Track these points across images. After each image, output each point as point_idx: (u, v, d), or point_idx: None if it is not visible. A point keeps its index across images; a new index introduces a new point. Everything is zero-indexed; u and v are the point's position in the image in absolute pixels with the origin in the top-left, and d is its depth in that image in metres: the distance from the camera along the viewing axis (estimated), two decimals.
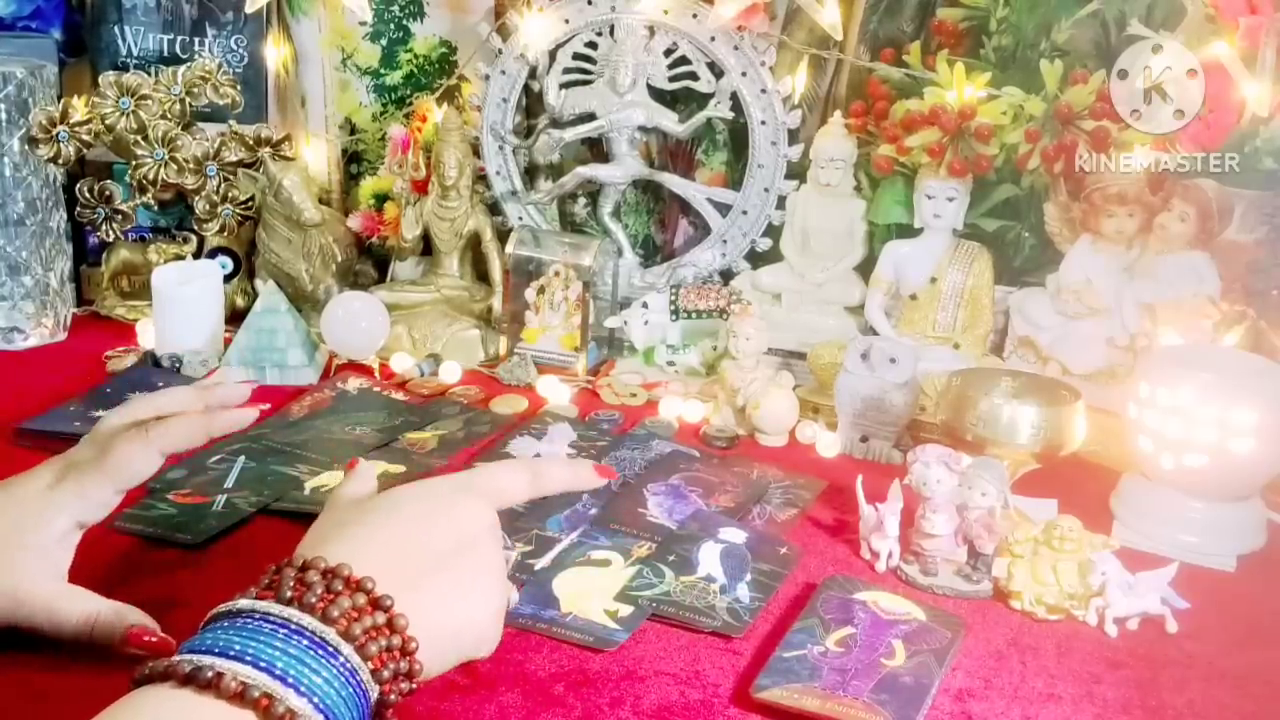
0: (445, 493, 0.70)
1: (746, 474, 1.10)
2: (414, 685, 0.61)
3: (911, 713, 0.76)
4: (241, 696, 0.53)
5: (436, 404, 1.25)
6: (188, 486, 1.02)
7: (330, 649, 0.57)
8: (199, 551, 0.93)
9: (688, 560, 0.93)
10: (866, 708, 0.75)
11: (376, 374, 1.30)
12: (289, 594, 0.58)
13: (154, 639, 0.76)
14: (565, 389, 1.28)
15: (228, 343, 1.31)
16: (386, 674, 0.59)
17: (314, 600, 0.58)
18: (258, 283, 1.46)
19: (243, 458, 1.07)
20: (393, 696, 0.60)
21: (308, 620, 0.57)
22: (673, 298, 1.35)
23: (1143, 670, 0.84)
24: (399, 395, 1.26)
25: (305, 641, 0.56)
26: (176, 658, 0.56)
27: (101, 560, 0.90)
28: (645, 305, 1.36)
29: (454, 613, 0.65)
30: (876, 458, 1.16)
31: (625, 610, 0.86)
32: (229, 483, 1.02)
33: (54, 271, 1.39)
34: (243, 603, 0.58)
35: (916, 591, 0.92)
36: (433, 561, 0.65)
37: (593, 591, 0.88)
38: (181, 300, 1.31)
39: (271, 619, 0.57)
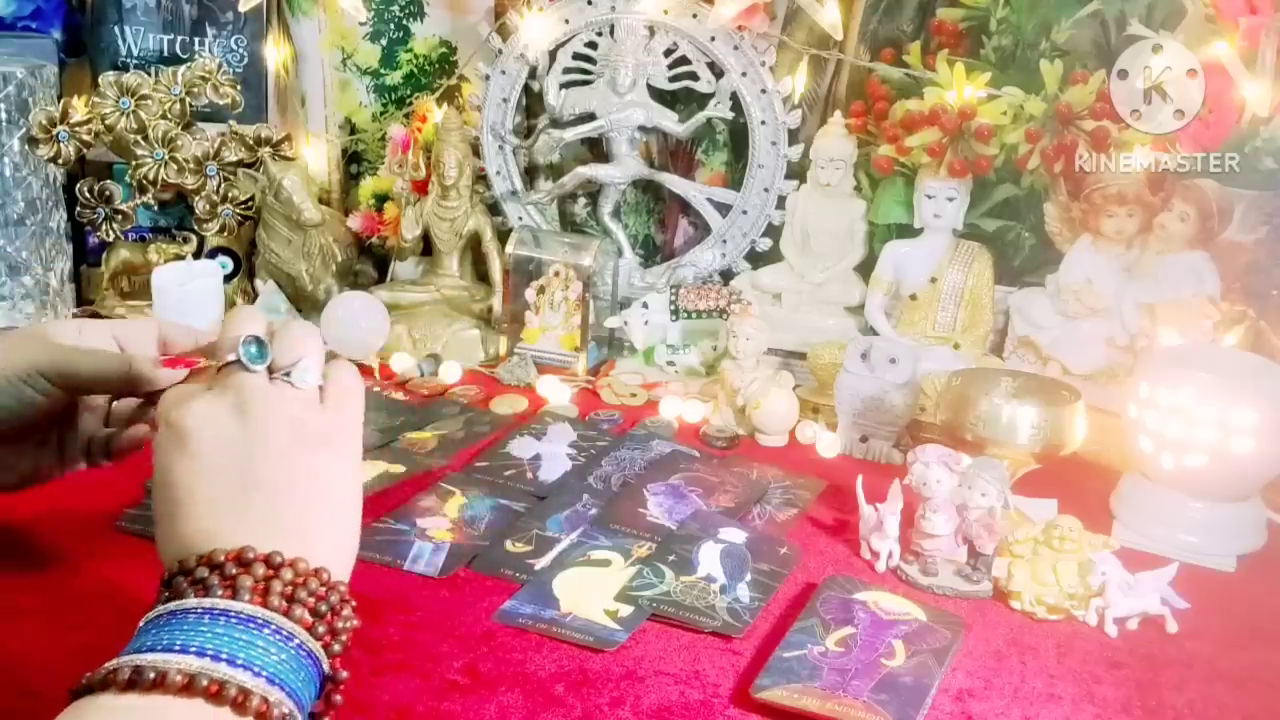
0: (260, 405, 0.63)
1: (746, 474, 1.10)
2: (351, 619, 0.59)
3: (911, 713, 0.76)
4: (189, 688, 0.51)
5: (436, 404, 1.25)
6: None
7: (262, 622, 0.55)
8: None
9: (688, 560, 0.93)
10: (866, 708, 0.75)
11: (376, 374, 1.30)
12: (219, 589, 0.56)
13: (184, 361, 0.73)
14: (565, 389, 1.28)
15: None
16: (322, 628, 0.57)
17: (243, 587, 0.56)
18: (258, 283, 1.46)
19: None
20: (336, 647, 0.58)
21: (236, 605, 0.55)
22: (673, 298, 1.35)
23: (1143, 670, 0.84)
24: (399, 395, 1.26)
25: (235, 621, 0.55)
26: (115, 662, 0.53)
27: (102, 560, 0.90)
28: (645, 305, 1.36)
29: (344, 529, 0.62)
30: (876, 458, 1.16)
31: (625, 610, 0.86)
32: None
33: (54, 271, 1.39)
34: (170, 605, 0.56)
35: (916, 591, 0.92)
36: (241, 485, 0.61)
37: (593, 591, 0.88)
38: (181, 300, 1.31)
39: (207, 611, 0.55)
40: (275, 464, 0.61)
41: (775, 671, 0.79)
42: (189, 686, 0.52)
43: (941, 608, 0.89)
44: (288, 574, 0.57)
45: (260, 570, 0.57)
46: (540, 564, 0.93)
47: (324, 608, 0.58)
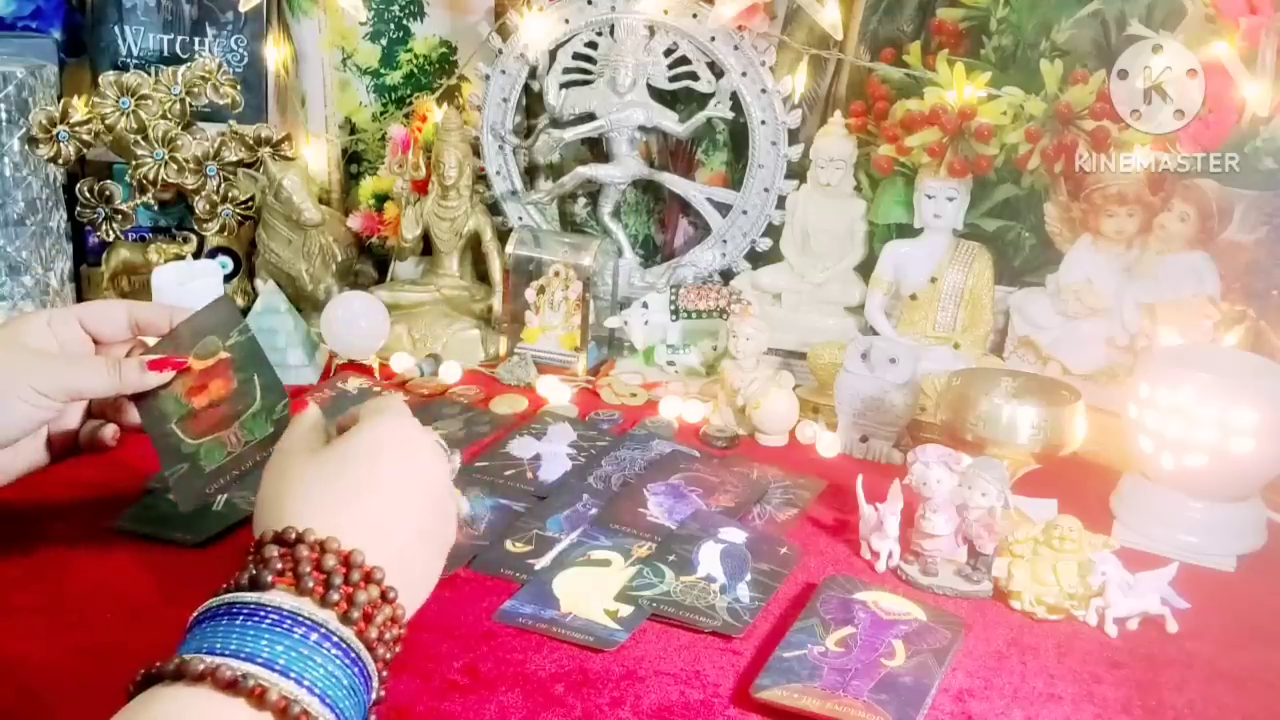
0: (412, 438, 0.70)
1: (746, 474, 1.10)
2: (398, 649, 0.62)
3: (911, 713, 0.76)
4: (262, 699, 0.53)
5: (436, 404, 1.25)
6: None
7: (352, 654, 0.57)
8: (199, 551, 0.93)
9: (688, 560, 0.93)
10: (866, 708, 0.75)
11: (376, 374, 1.30)
12: (311, 585, 0.58)
13: (171, 362, 0.82)
14: (565, 389, 1.28)
15: None
16: (386, 654, 0.60)
17: (336, 598, 0.58)
18: (258, 283, 1.46)
19: None
20: (385, 674, 0.61)
21: (333, 624, 0.57)
22: (673, 298, 1.35)
23: (1143, 670, 0.84)
24: (399, 395, 1.26)
25: (324, 643, 0.56)
26: (188, 656, 0.55)
27: (101, 560, 0.90)
28: (645, 305, 1.36)
29: (433, 572, 0.67)
30: (876, 458, 1.16)
31: (625, 610, 0.86)
32: None
33: (54, 271, 1.39)
34: (254, 597, 0.58)
35: (916, 591, 0.92)
36: (416, 529, 0.66)
37: (593, 591, 0.88)
38: (181, 300, 1.30)
39: (296, 619, 0.57)
40: (429, 511, 0.68)
41: (775, 671, 0.79)
42: (261, 698, 0.53)
43: (941, 608, 0.89)
44: (388, 611, 0.60)
45: (375, 592, 0.60)
46: (540, 564, 0.93)
47: (393, 646, 0.61)
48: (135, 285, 1.47)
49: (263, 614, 0.56)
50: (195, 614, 0.59)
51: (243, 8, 1.47)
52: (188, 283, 1.33)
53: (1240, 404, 0.96)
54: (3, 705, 0.73)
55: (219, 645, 0.55)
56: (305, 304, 1.43)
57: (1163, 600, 0.88)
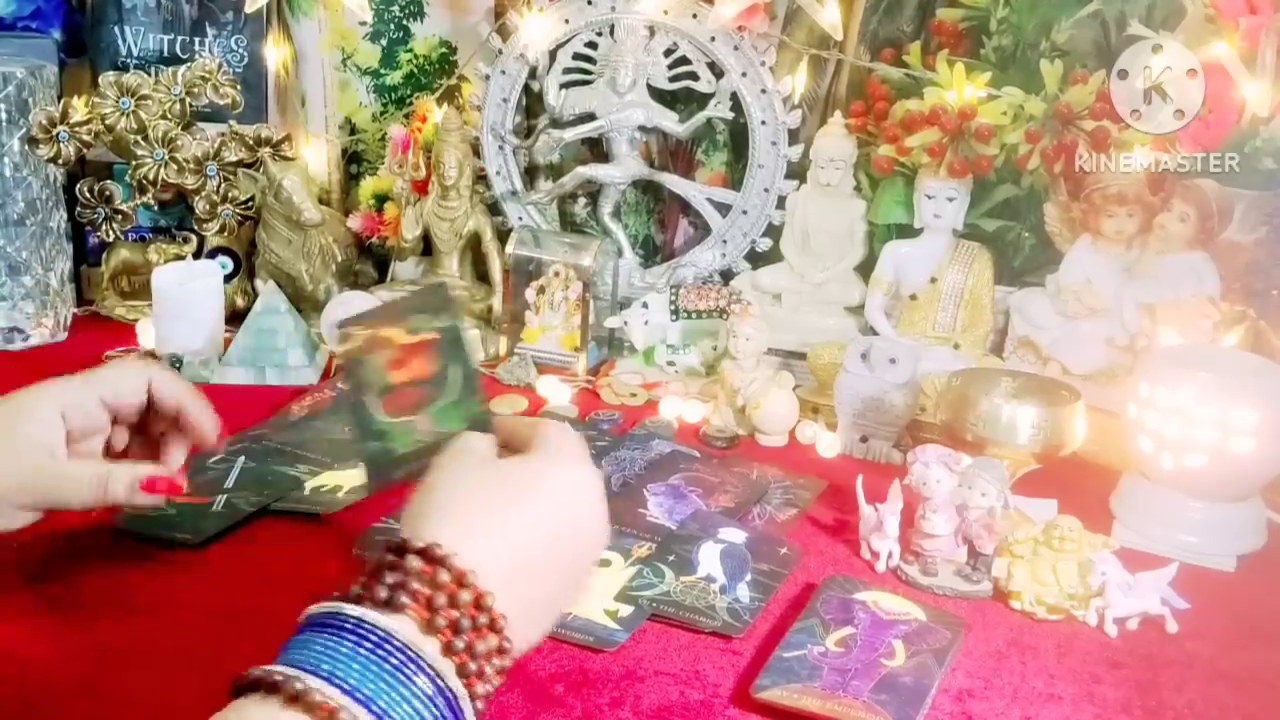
0: (587, 499, 0.67)
1: (746, 474, 1.10)
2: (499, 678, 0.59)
3: (911, 713, 0.76)
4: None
5: None
6: (188, 487, 1.01)
7: (449, 695, 0.55)
8: (199, 551, 0.93)
9: (688, 560, 0.93)
10: (866, 708, 0.75)
11: None
12: (411, 607, 0.56)
13: (165, 483, 0.79)
14: (565, 389, 1.28)
15: (228, 343, 1.31)
16: (484, 691, 0.57)
17: (442, 624, 0.56)
18: (258, 283, 1.46)
19: (243, 458, 1.07)
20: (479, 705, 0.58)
21: (430, 656, 0.55)
22: (673, 298, 1.35)
23: (1143, 670, 0.84)
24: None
25: (423, 682, 0.54)
26: (286, 670, 0.53)
27: (102, 560, 0.90)
28: (645, 305, 1.36)
29: (552, 617, 0.64)
30: (876, 458, 1.16)
31: (625, 610, 0.86)
32: (229, 483, 1.02)
33: (54, 271, 1.39)
34: (356, 611, 0.55)
35: (916, 591, 0.92)
36: (556, 582, 0.63)
37: (593, 591, 0.88)
38: (181, 300, 1.31)
39: (390, 645, 0.54)
40: (575, 574, 0.65)
41: (775, 671, 0.79)
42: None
43: (941, 608, 0.89)
44: (494, 640, 0.57)
45: (483, 620, 0.57)
46: None
47: (493, 682, 0.57)
48: (135, 285, 1.47)
49: (387, 649, 0.54)
50: (313, 611, 0.56)
51: (248, 9, 1.47)
52: (188, 283, 1.33)
53: (1240, 404, 0.96)
54: (4, 705, 0.73)
55: (325, 667, 0.53)
56: (305, 304, 1.43)
57: (1163, 600, 0.88)
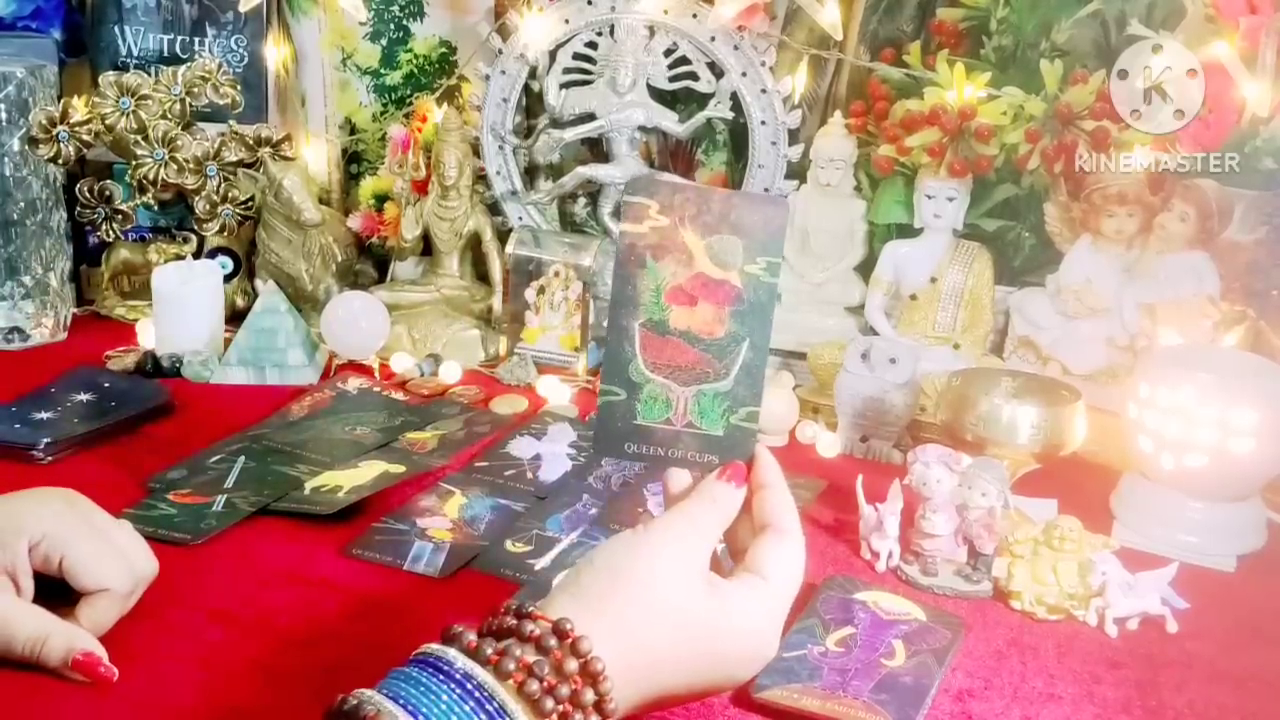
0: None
1: None
2: None
3: (911, 713, 0.76)
4: None
5: (436, 404, 1.25)
6: (187, 487, 1.02)
7: None
8: (199, 551, 0.93)
9: None
10: (866, 708, 0.75)
11: (376, 374, 1.30)
12: (524, 679, 0.58)
13: (100, 669, 0.74)
14: (565, 389, 1.28)
15: (228, 343, 1.31)
16: None
17: (550, 706, 0.57)
18: (258, 283, 1.46)
19: (243, 458, 1.07)
20: None
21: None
22: None
23: (1143, 670, 0.84)
24: (399, 395, 1.26)
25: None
26: (381, 700, 0.55)
27: None
28: None
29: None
30: (876, 458, 1.16)
31: None
32: (229, 483, 1.02)
33: (54, 271, 1.39)
34: (490, 687, 0.57)
35: (916, 591, 0.92)
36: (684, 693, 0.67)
37: None
38: (181, 300, 1.31)
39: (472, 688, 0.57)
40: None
41: (775, 671, 0.78)
42: None
43: (941, 608, 0.89)
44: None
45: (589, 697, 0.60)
46: (540, 564, 0.93)
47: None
48: (135, 285, 1.47)
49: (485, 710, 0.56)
50: (427, 650, 0.59)
51: (243, 8, 1.47)
52: (188, 283, 1.33)
53: (1240, 404, 0.96)
54: (4, 705, 0.73)
55: (425, 709, 0.55)
56: (305, 304, 1.43)
57: (1163, 600, 0.88)
